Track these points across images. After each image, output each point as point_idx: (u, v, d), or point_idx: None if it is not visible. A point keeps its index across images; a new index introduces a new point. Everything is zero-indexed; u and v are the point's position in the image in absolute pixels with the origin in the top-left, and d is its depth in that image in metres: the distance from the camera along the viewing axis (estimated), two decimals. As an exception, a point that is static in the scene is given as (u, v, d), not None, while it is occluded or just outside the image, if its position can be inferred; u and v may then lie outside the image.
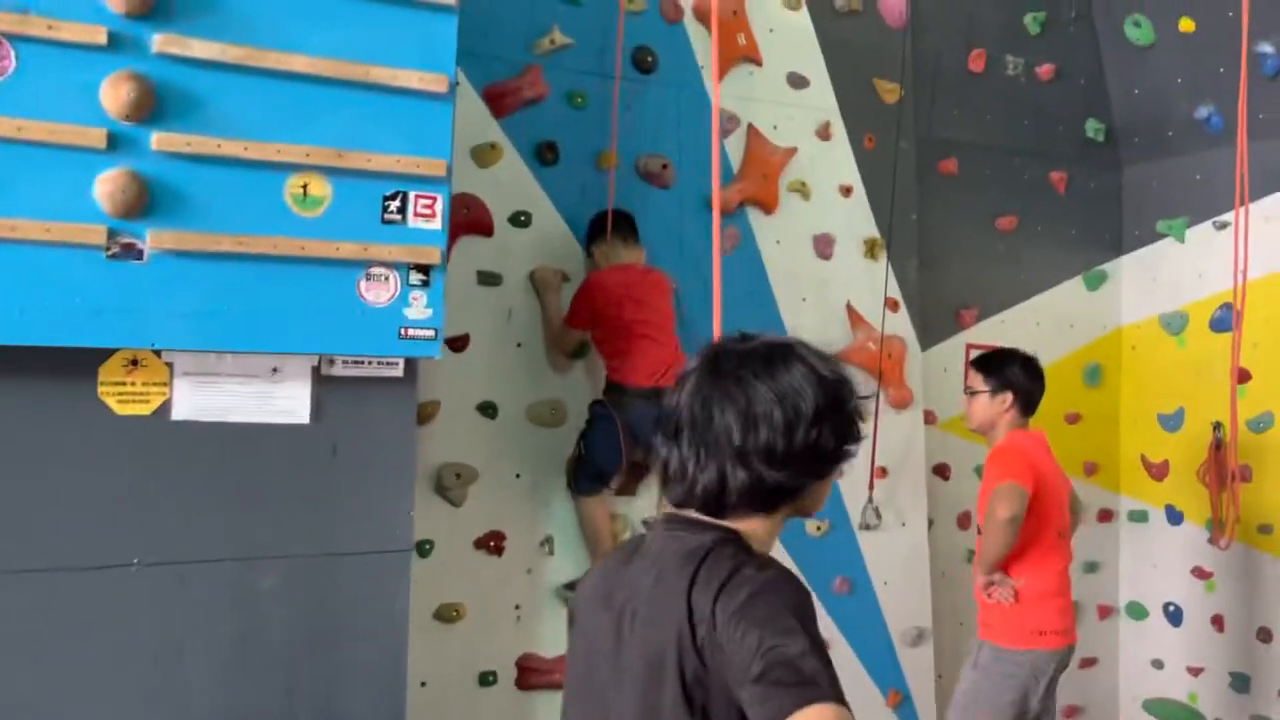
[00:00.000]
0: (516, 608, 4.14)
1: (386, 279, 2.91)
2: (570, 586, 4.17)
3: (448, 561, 4.00)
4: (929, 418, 5.27)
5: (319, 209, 2.82)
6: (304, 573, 3.00)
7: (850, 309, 4.90)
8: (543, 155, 4.25)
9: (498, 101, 4.16)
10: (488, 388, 4.12)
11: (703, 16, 4.58)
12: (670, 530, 1.74)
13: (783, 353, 1.69)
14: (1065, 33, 5.65)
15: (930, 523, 5.25)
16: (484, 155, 4.14)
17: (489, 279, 4.13)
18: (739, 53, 4.65)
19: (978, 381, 4.04)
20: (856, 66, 4.97)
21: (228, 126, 2.71)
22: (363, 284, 2.89)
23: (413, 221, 2.93)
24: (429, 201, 2.94)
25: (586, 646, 1.77)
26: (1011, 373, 4.00)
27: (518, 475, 4.16)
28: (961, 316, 5.40)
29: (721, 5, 4.51)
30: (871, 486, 4.81)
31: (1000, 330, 5.53)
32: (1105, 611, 5.86)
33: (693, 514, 1.73)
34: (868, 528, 4.83)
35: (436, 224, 2.96)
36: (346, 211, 2.86)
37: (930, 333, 5.29)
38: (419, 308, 2.95)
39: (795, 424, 1.63)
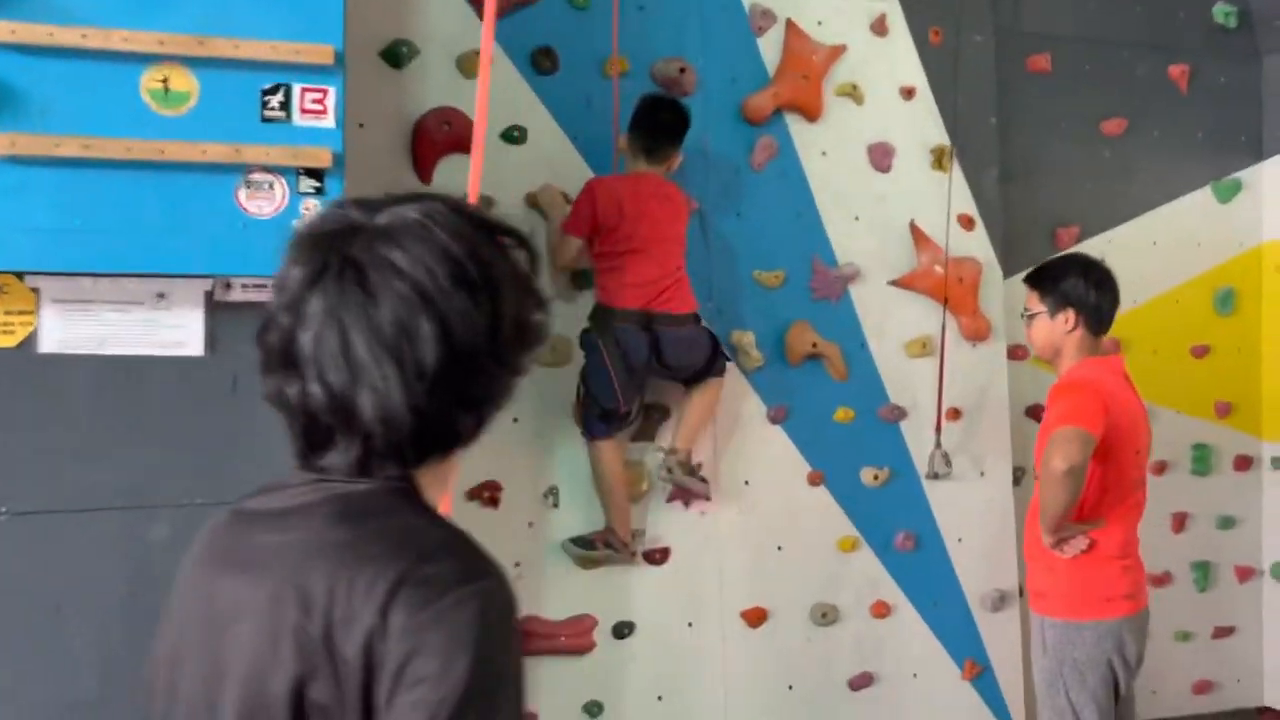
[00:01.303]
0: (516, 565, 3.72)
1: (271, 187, 2.54)
2: (580, 542, 3.76)
3: (436, 514, 3.63)
4: (1018, 352, 4.60)
5: (183, 106, 2.46)
6: (201, 523, 2.65)
7: (914, 228, 4.29)
8: (539, 63, 3.81)
9: (483, 2, 3.72)
10: (479, 323, 3.71)
11: (730, -101, 4.03)
12: (311, 484, 1.20)
13: (419, 230, 1.16)
14: (1183, -101, 4.84)
15: (1021, 472, 4.60)
16: (470, 64, 3.71)
17: (480, 202, 3.71)
18: (772, -63, 4.09)
19: (1033, 301, 3.39)
20: (920, -52, 4.33)
21: (65, 12, 2.37)
22: (241, 193, 2.52)
23: (300, 119, 2.55)
24: (318, 95, 2.55)
25: (176, 640, 1.22)
26: (1070, 285, 3.32)
27: (515, 419, 3.74)
28: (1059, 236, 4.70)
29: (750, -116, 4.00)
30: (939, 429, 4.21)
31: (1108, 250, 4.71)
32: (1246, 574, 5.08)
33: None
34: (936, 476, 4.23)
35: (329, 121, 2.58)
36: (217, 109, 2.49)
37: (1018, 255, 4.60)
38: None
39: (450, 329, 1.13)
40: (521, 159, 3.78)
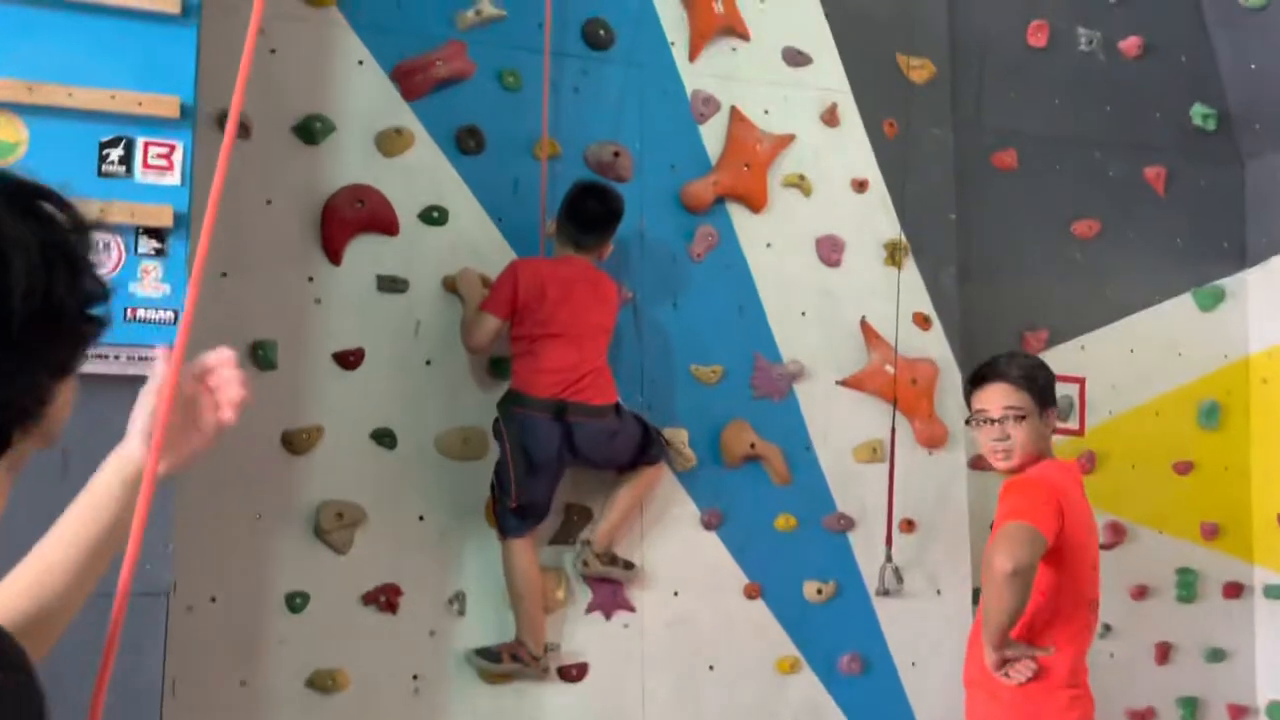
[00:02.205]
0: (414, 678, 3.43)
1: (106, 246, 2.32)
2: (485, 654, 3.45)
3: (326, 619, 3.35)
4: (980, 462, 4.30)
5: (10, 158, 2.28)
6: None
7: (865, 325, 4.05)
8: (463, 142, 3.64)
9: (407, 80, 3.59)
10: (386, 412, 3.48)
11: (674, -15, 3.91)
12: None
13: None
14: (1154, -1, 4.70)
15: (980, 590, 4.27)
16: (389, 142, 3.56)
17: (392, 284, 3.52)
18: (716, 23, 3.94)
19: (1025, 401, 3.06)
20: (874, 41, 4.18)
21: (-119, 53, 2.20)
22: (72, 251, 2.30)
23: (142, 175, 2.36)
24: (164, 150, 2.36)
25: None
26: (1052, 382, 3.09)
27: (420, 517, 3.49)
28: (1025, 339, 4.45)
29: (695, -31, 3.89)
30: (890, 542, 3.90)
31: (1082, 357, 4.55)
32: (1238, 713, 4.67)
33: None
34: (887, 593, 3.91)
35: (174, 178, 2.38)
36: (48, 160, 2.30)
37: (980, 357, 4.34)
38: (151, 282, 2.36)
39: None
40: (441, 241, 3.59)
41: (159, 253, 2.36)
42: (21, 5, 2.23)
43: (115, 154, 2.33)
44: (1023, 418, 3.06)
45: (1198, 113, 4.77)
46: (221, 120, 3.34)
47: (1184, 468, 4.68)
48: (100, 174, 2.33)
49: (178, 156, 2.37)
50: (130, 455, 1.30)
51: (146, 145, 2.35)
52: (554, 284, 3.39)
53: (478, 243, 3.62)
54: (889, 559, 3.90)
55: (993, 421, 3.08)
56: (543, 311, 3.36)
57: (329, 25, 3.52)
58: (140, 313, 2.36)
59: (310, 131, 3.46)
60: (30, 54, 2.27)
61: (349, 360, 3.45)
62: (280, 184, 3.42)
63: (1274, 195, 4.77)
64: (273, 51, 3.44)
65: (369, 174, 3.52)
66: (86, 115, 2.31)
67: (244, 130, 3.36)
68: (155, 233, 2.35)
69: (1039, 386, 3.11)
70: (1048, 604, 2.94)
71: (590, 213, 3.52)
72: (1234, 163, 4.85)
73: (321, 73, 3.51)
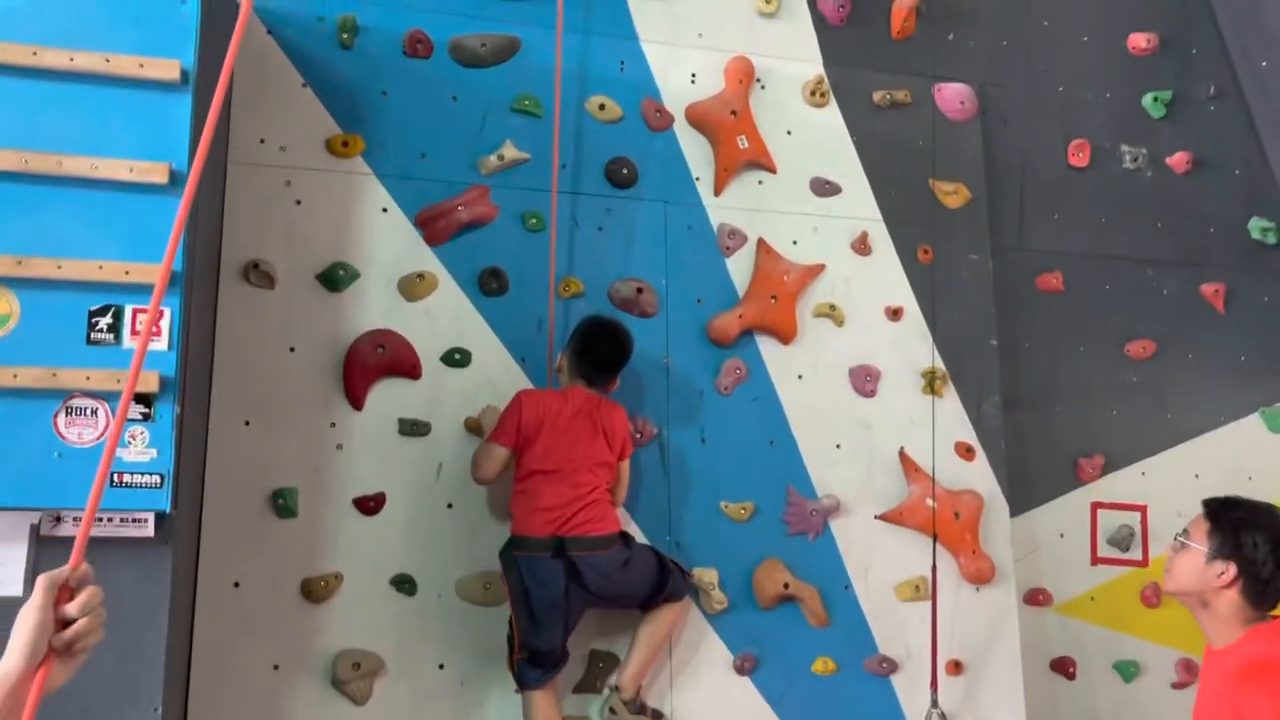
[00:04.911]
0: (433, 835, 3.34)
1: (95, 413, 2.36)
2: (506, 809, 3.35)
3: (344, 772, 3.29)
4: (1037, 597, 4.12)
5: (4, 328, 2.33)
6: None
7: (904, 456, 3.92)
8: (486, 284, 3.66)
9: (431, 226, 3.63)
10: (406, 558, 3.45)
11: (698, 122, 3.92)
12: None
13: None
14: (1202, 113, 4.57)
15: (1041, 736, 4.04)
16: (412, 286, 3.59)
17: (414, 428, 3.52)
18: (741, 157, 3.94)
19: (1199, 532, 2.75)
20: (905, 167, 4.13)
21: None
22: (60, 420, 2.35)
23: (129, 342, 2.38)
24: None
25: None
26: (1251, 540, 2.66)
27: (441, 666, 3.43)
28: (1081, 467, 4.27)
29: (718, 105, 3.91)
30: (935, 686, 3.71)
31: (1142, 484, 4.35)
32: None
33: None
34: (933, 741, 3.71)
35: (162, 344, 2.41)
36: (39, 331, 2.36)
37: (1033, 488, 4.19)
38: (138, 448, 2.38)
39: None
40: (463, 382, 3.59)
41: (146, 418, 2.38)
42: (10, 183, 2.30)
43: (104, 322, 2.37)
44: (1185, 546, 2.72)
45: (1256, 226, 4.60)
46: (248, 273, 3.42)
47: (1262, 602, 4.39)
48: (89, 342, 2.37)
49: (165, 322, 2.40)
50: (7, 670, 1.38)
51: (135, 312, 2.38)
52: (552, 418, 3.33)
53: (500, 382, 3.60)
54: (934, 704, 3.70)
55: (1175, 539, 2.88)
56: (536, 447, 3.31)
57: (354, 175, 3.59)
58: (128, 478, 2.37)
59: (334, 280, 3.51)
60: (19, 228, 2.34)
61: (369, 505, 3.44)
62: (304, 331, 3.47)
63: (1344, 308, 4.55)
64: (298, 203, 3.52)
65: (392, 318, 3.55)
66: (75, 286, 2.36)
67: (268, 280, 3.43)
68: (143, 398, 2.37)
69: (1221, 528, 2.73)
70: None
71: (603, 357, 3.46)
72: (1298, 276, 4.66)
73: (346, 221, 3.57)
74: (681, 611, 3.54)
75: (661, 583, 3.43)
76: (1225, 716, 2.58)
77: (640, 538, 3.59)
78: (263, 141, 3.50)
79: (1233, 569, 2.66)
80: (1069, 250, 4.38)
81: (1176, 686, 4.22)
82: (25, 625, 1.41)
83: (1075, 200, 4.41)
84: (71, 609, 1.42)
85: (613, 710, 3.45)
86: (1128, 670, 4.19)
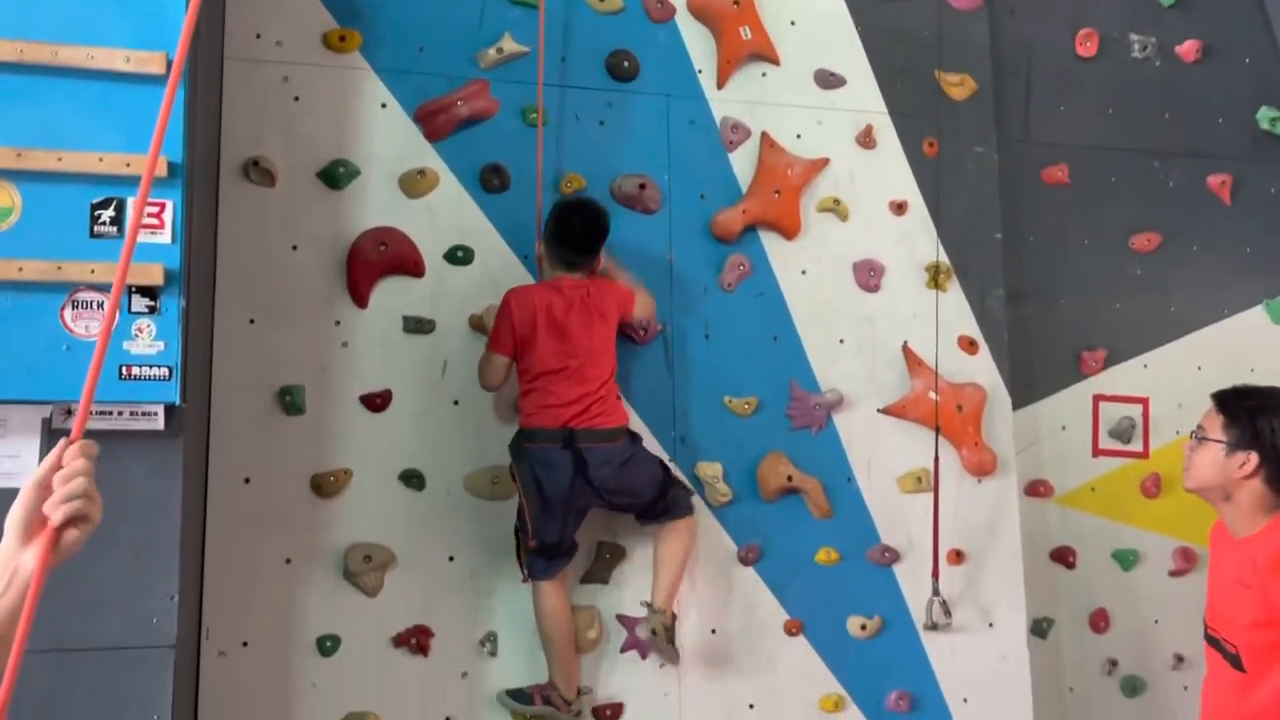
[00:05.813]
0: (447, 719, 3.42)
1: (100, 306, 2.36)
2: (516, 695, 3.42)
3: (357, 662, 3.36)
4: (1039, 489, 4.16)
5: (4, 222, 2.32)
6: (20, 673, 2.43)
7: (907, 350, 3.93)
8: (488, 180, 3.63)
9: (430, 121, 3.59)
10: (414, 453, 3.48)
11: (701, 13, 3.85)
12: None
13: None
14: (1212, 0, 4.49)
15: (1048, 624, 4.12)
16: (413, 183, 3.57)
17: (418, 325, 3.52)
18: (744, 49, 3.88)
19: (1214, 426, 2.81)
20: (910, 59, 4.07)
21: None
22: (68, 313, 2.35)
23: (133, 234, 2.37)
24: (154, 209, 2.38)
25: None
26: (1269, 426, 2.71)
27: (450, 558, 3.48)
28: (1084, 360, 4.28)
29: (720, -5, 3.84)
30: (936, 574, 3.77)
31: (1144, 376, 4.36)
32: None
33: None
34: (935, 627, 3.78)
35: (165, 236, 2.40)
36: (41, 224, 2.36)
37: (1036, 381, 4.21)
38: (145, 340, 2.38)
39: None
40: (467, 280, 3.58)
41: (152, 310, 2.39)
42: (6, 73, 2.28)
43: (106, 215, 2.36)
44: (1203, 441, 2.85)
45: (1265, 116, 4.55)
46: (248, 170, 3.40)
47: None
48: (92, 235, 2.37)
49: (168, 215, 2.39)
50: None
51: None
52: (544, 313, 3.32)
53: (503, 279, 3.59)
54: (935, 591, 3.77)
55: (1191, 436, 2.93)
56: (539, 346, 3.31)
57: (351, 70, 3.54)
58: (135, 370, 2.38)
59: (334, 177, 3.48)
60: (18, 120, 2.32)
61: (376, 403, 3.46)
62: (306, 230, 3.45)
63: (1352, 199, 4.52)
64: (296, 99, 3.48)
65: (393, 216, 3.53)
66: (77, 178, 2.34)
67: (269, 178, 3.40)
68: (148, 291, 2.37)
69: (1237, 419, 2.81)
70: None
71: (577, 233, 3.40)
72: (1307, 166, 4.62)
73: (345, 118, 3.54)
74: (693, 528, 3.55)
75: (662, 492, 3.44)
76: (1254, 604, 2.64)
77: (645, 433, 3.61)
78: (259, 36, 3.45)
79: (1254, 458, 2.70)
80: (1075, 143, 4.34)
81: (1174, 574, 4.29)
82: (20, 497, 1.46)
83: (1082, 92, 4.35)
84: (56, 479, 1.43)
85: (654, 631, 3.41)
86: (1127, 559, 4.25)
